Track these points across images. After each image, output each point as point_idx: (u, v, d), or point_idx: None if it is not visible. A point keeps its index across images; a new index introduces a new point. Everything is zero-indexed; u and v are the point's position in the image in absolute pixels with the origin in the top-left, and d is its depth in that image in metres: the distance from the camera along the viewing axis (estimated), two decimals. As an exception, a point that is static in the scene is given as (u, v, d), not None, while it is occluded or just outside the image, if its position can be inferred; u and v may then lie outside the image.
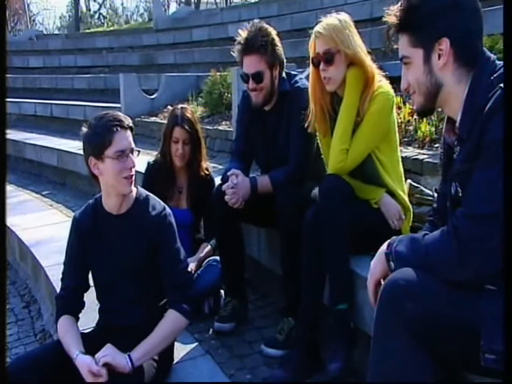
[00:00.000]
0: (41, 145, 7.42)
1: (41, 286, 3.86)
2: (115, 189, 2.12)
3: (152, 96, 7.90)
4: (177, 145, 3.02)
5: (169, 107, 8.13)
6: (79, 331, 2.12)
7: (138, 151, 2.13)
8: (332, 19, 2.30)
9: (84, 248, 2.19)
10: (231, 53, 2.68)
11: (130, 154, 2.08)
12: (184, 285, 2.17)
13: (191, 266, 2.88)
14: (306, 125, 2.47)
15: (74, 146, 6.83)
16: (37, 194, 6.30)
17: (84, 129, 2.11)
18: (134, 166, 2.09)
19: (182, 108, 3.09)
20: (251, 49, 2.59)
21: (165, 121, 3.23)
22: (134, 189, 2.21)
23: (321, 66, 2.33)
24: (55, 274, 3.51)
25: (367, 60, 2.32)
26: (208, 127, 5.84)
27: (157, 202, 2.24)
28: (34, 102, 10.35)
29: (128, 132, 2.09)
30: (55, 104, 9.86)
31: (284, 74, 2.73)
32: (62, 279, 2.24)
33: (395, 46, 1.53)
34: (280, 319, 2.62)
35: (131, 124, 2.12)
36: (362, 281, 2.07)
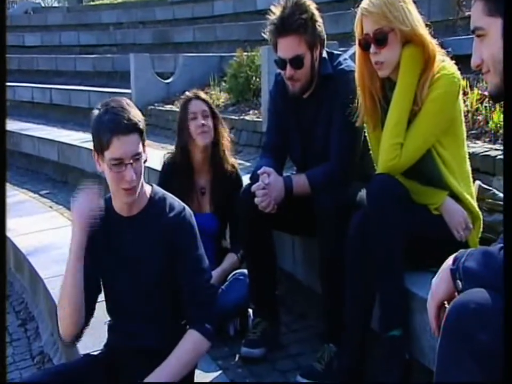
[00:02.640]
0: (39, 137, 7.53)
1: (40, 301, 3.91)
2: (115, 195, 2.13)
3: (168, 81, 7.94)
4: (196, 121, 3.05)
5: (187, 93, 8.12)
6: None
7: (145, 160, 2.09)
8: None
9: (91, 252, 2.16)
10: (263, 34, 2.66)
11: (130, 165, 2.00)
12: (207, 300, 2.15)
13: (215, 280, 2.89)
14: (354, 119, 2.46)
15: (78, 138, 6.91)
16: (35, 194, 6.39)
17: (94, 113, 2.07)
18: (133, 178, 2.02)
19: (193, 91, 3.18)
20: (288, 30, 2.58)
21: (179, 108, 3.27)
22: (147, 188, 2.19)
23: (372, 49, 2.30)
24: (56, 287, 3.54)
25: (427, 35, 2.29)
26: (233, 117, 5.85)
27: (175, 202, 2.21)
28: (31, 87, 10.52)
29: (133, 137, 2.01)
30: (55, 89, 10.00)
31: (324, 54, 2.72)
32: None
33: (467, 13, 1.49)
34: (319, 345, 2.61)
35: (140, 125, 2.04)
36: (421, 303, 2.05)
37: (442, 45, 2.39)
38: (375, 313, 2.27)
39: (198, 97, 3.09)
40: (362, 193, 2.48)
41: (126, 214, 2.16)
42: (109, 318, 2.32)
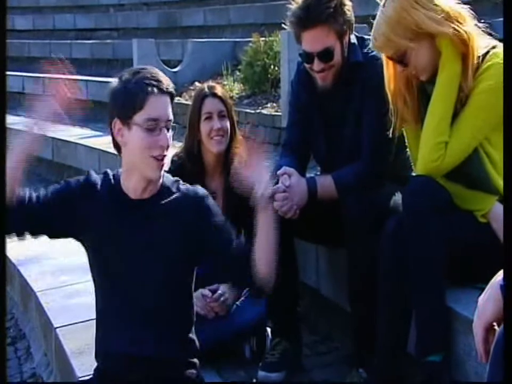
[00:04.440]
0: (31, 133, 7.57)
1: (32, 317, 3.93)
2: (139, 169, 2.13)
3: (175, 69, 7.97)
4: (211, 122, 3.01)
5: (196, 84, 8.14)
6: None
7: (174, 128, 2.15)
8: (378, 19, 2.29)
9: (68, 212, 2.16)
10: (284, 25, 2.66)
11: (165, 129, 2.08)
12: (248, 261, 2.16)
13: (229, 295, 2.89)
14: (391, 130, 2.45)
15: (74, 134, 6.96)
16: (26, 197, 6.42)
17: (114, 83, 2.14)
18: (168, 146, 2.10)
19: (208, 85, 3.12)
20: (315, 22, 2.55)
21: (191, 103, 3.25)
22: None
23: (399, 68, 2.35)
24: (50, 301, 3.56)
25: (461, 20, 2.26)
26: (248, 110, 5.86)
27: (188, 185, 2.26)
28: (22, 76, 10.59)
29: (167, 99, 2.10)
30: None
31: (353, 39, 2.70)
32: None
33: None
34: (346, 370, 2.61)
35: (172, 89, 2.12)
36: (465, 324, 2.04)
37: (490, 27, 2.36)
38: (412, 335, 2.25)
39: (214, 95, 3.05)
40: (397, 197, 2.47)
41: (135, 195, 2.17)
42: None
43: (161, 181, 2.20)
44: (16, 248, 4.56)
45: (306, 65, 2.68)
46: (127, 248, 2.16)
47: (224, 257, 2.19)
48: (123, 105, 2.08)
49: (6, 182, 2.00)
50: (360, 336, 2.55)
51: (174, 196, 2.20)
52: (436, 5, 2.25)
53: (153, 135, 2.07)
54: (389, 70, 2.43)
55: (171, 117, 2.11)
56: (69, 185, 2.23)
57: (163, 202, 2.18)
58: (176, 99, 7.72)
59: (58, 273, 3.88)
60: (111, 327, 2.21)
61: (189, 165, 3.08)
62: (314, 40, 2.58)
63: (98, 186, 2.21)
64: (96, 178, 2.24)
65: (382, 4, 2.31)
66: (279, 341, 2.79)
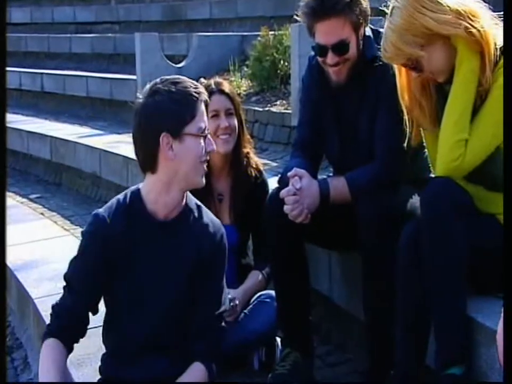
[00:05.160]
0: (28, 131, 7.61)
1: (29, 325, 3.92)
2: (185, 181, 2.21)
3: (180, 65, 7.98)
4: (217, 120, 3.00)
5: (202, 80, 8.12)
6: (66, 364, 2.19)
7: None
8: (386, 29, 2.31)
9: (106, 263, 2.22)
10: (295, 16, 2.65)
11: (208, 135, 2.24)
12: (217, 337, 2.31)
13: (237, 301, 2.88)
14: (406, 141, 2.46)
15: (74, 132, 6.96)
16: (23, 199, 6.44)
17: (150, 96, 2.17)
18: (213, 150, 2.28)
19: (215, 81, 3.11)
20: (329, 13, 2.55)
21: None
22: None
23: (414, 74, 2.37)
24: (48, 309, 3.54)
25: (471, 15, 2.25)
26: (256, 108, 5.85)
27: (210, 214, 2.36)
28: (19, 71, 10.63)
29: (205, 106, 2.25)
30: (46, 74, 10.09)
31: (369, 32, 2.69)
32: (66, 286, 2.28)
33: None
34: (361, 383, 2.60)
35: (207, 98, 2.27)
36: (487, 335, 2.03)
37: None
38: (431, 346, 2.24)
39: (221, 91, 3.04)
40: (415, 200, 2.46)
41: (163, 217, 2.24)
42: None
43: (184, 202, 2.27)
44: (12, 252, 4.58)
45: (320, 59, 2.67)
46: (145, 268, 2.24)
47: (200, 310, 2.28)
48: (173, 118, 2.14)
49: (5, 184, 2.03)
50: (376, 349, 2.54)
51: (197, 223, 2.28)
52: (443, 5, 2.24)
53: (204, 142, 2.20)
54: (401, 79, 2.43)
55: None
56: (88, 248, 2.26)
57: (186, 224, 2.27)
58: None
59: (57, 279, 3.87)
60: (126, 353, 2.27)
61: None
62: (328, 32, 2.58)
63: (115, 219, 2.23)
64: (105, 211, 2.25)
65: (388, 13, 2.32)
66: (290, 351, 2.78)
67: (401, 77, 2.43)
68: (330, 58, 2.60)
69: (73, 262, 2.28)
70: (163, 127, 2.14)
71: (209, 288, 2.26)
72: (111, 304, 2.30)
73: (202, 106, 2.19)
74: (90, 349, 2.84)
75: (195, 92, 2.16)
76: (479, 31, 2.25)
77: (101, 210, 2.28)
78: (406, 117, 2.45)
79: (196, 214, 2.29)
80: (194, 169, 2.20)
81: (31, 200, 6.39)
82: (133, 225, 2.23)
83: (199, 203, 2.35)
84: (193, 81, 2.23)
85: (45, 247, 4.63)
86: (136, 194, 2.25)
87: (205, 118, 2.21)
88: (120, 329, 2.28)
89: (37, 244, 4.76)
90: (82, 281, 2.24)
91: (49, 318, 2.29)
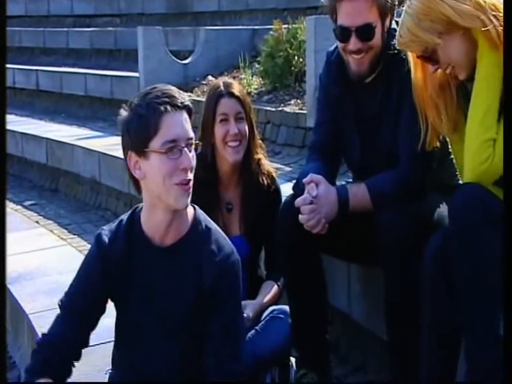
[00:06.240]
0: (22, 133, 7.64)
1: (23, 343, 3.94)
2: (163, 201, 2.16)
3: (186, 61, 8.01)
4: (227, 125, 2.99)
5: (210, 78, 8.13)
6: None
7: (197, 144, 2.19)
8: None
9: (106, 287, 2.24)
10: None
11: (186, 149, 2.11)
12: (231, 377, 2.21)
13: (249, 315, 2.87)
14: (421, 143, 2.45)
15: (71, 134, 6.97)
16: (17, 206, 6.46)
17: (123, 112, 2.17)
18: (192, 167, 2.14)
19: (224, 82, 3.11)
20: None
21: (203, 99, 3.24)
22: (189, 209, 2.25)
23: (431, 68, 2.35)
24: (44, 325, 3.53)
25: (481, 14, 2.25)
26: (268, 108, 5.86)
27: (222, 238, 2.28)
28: (13, 68, 10.66)
29: (184, 114, 2.13)
30: (42, 71, 10.13)
31: (394, 25, 2.69)
32: (56, 318, 2.28)
33: None
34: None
35: (188, 103, 2.16)
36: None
37: None
38: (461, 365, 2.24)
39: (231, 94, 3.03)
40: (443, 209, 2.46)
41: (159, 242, 2.22)
42: (108, 367, 2.36)
43: (190, 220, 2.25)
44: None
45: (340, 45, 2.66)
46: (146, 295, 2.24)
47: (212, 349, 2.22)
48: (136, 134, 2.11)
49: (6, 186, 2.04)
50: (399, 369, 2.54)
51: (200, 250, 2.23)
52: None
53: (174, 158, 2.09)
54: (417, 75, 2.43)
55: (191, 134, 2.13)
56: (87, 271, 2.28)
57: (187, 251, 2.23)
58: (187, 95, 7.75)
59: (53, 292, 3.88)
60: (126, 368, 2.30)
61: (202, 174, 3.07)
62: (354, 12, 2.57)
63: (116, 242, 2.25)
64: (108, 233, 2.27)
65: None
66: (305, 372, 2.79)
67: (417, 72, 2.43)
68: (353, 43, 2.59)
69: (71, 285, 2.30)
70: (129, 146, 2.14)
71: (218, 325, 2.20)
72: (116, 331, 2.32)
73: (171, 117, 2.10)
74: (88, 370, 2.82)
75: (160, 103, 2.08)
76: (496, 30, 2.24)
77: (104, 230, 2.30)
78: (420, 117, 2.44)
79: (202, 240, 2.24)
80: (164, 191, 2.12)
81: (25, 207, 6.41)
82: (133, 250, 2.23)
83: (210, 225, 2.29)
84: (170, 88, 2.16)
85: (40, 258, 4.63)
86: (138, 214, 2.26)
87: (177, 128, 2.11)
88: (126, 360, 2.30)
89: (31, 254, 4.77)
90: (79, 304, 2.25)
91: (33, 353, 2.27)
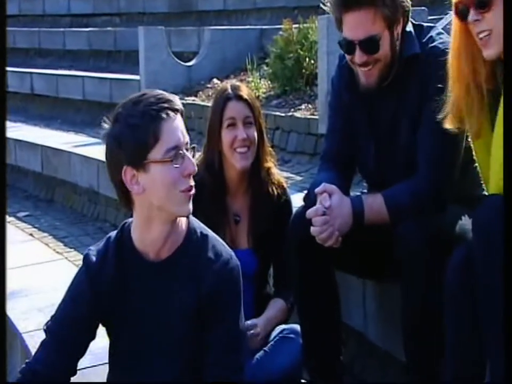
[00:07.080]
0: (16, 139, 7.66)
1: (16, 363, 3.91)
2: (165, 212, 2.17)
3: (190, 63, 8.03)
4: (234, 130, 3.00)
5: (215, 81, 8.16)
6: None
7: (194, 148, 2.19)
8: None
9: (97, 311, 2.23)
10: (322, 5, 2.67)
11: (187, 153, 2.13)
12: None
13: (258, 328, 2.89)
14: (440, 117, 2.41)
15: (68, 141, 6.99)
16: (10, 217, 6.45)
17: (106, 125, 2.18)
18: (195, 172, 2.16)
19: (232, 84, 3.11)
20: (359, 2, 2.55)
21: (209, 104, 3.24)
22: (183, 219, 2.25)
23: (471, 16, 2.27)
24: (38, 343, 3.55)
25: None
26: (278, 113, 5.87)
27: (220, 245, 2.28)
28: (6, 71, 10.67)
29: (180, 117, 2.15)
30: (37, 74, 10.17)
31: (409, 28, 2.70)
32: (42, 344, 2.28)
33: None
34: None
35: (181, 106, 2.17)
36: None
37: None
38: None
39: (239, 97, 3.03)
40: (465, 222, 2.45)
41: (154, 257, 2.23)
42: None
43: (185, 230, 2.25)
44: (-3, 279, 4.59)
45: (347, 57, 2.68)
46: (140, 314, 2.25)
47: (212, 360, 2.22)
48: (132, 146, 2.10)
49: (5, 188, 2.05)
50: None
51: (197, 259, 2.24)
52: None
53: (178, 165, 2.11)
54: (455, 42, 2.36)
55: (188, 137, 2.16)
56: (78, 291, 2.27)
57: (183, 263, 2.23)
58: (191, 99, 7.76)
59: (48, 310, 3.87)
60: None
61: (209, 180, 3.07)
62: (356, 25, 2.59)
63: (104, 265, 2.25)
64: (96, 253, 2.28)
65: None
66: (318, 396, 2.78)
67: (456, 35, 2.35)
68: (358, 56, 2.61)
69: (58, 308, 2.30)
70: (123, 160, 2.13)
71: (219, 334, 2.20)
72: (111, 356, 2.32)
73: (171, 122, 2.12)
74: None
75: (158, 110, 2.09)
76: None
77: (92, 251, 2.30)
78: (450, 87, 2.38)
79: (199, 248, 2.24)
80: (169, 200, 2.14)
81: (19, 218, 6.42)
82: (125, 269, 2.24)
83: (205, 231, 2.30)
84: (160, 93, 2.15)
85: (35, 273, 4.64)
86: (128, 231, 2.26)
87: (178, 133, 2.14)
88: (123, 364, 2.31)
89: (25, 269, 4.77)
90: (67, 330, 2.24)
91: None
